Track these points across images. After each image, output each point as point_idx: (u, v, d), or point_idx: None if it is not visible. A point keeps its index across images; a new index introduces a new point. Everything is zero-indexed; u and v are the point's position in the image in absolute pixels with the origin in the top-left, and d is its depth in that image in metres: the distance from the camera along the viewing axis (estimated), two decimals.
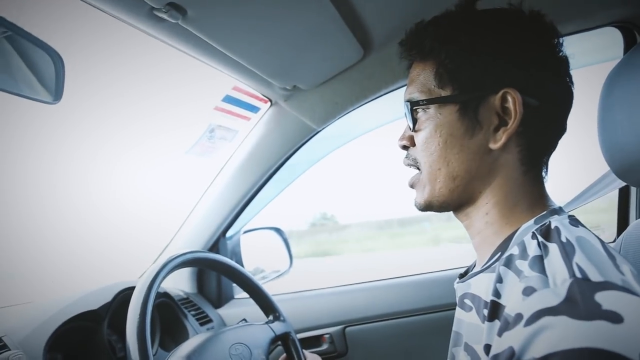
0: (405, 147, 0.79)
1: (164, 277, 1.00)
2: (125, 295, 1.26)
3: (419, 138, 0.74)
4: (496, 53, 0.68)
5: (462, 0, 0.73)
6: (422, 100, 0.73)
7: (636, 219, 1.39)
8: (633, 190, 1.43)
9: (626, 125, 0.75)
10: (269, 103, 1.37)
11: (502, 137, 0.68)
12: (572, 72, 0.73)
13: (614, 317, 0.48)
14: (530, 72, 0.68)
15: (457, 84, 0.70)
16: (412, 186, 0.79)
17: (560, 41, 0.71)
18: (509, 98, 0.67)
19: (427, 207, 0.76)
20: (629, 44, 1.20)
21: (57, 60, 0.78)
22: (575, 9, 1.10)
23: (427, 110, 0.73)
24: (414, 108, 0.74)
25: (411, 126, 0.75)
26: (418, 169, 0.77)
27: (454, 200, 0.74)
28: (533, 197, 0.71)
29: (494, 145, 0.69)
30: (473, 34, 0.69)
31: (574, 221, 0.66)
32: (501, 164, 0.70)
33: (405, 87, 0.79)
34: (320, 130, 1.44)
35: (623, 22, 1.15)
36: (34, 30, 0.75)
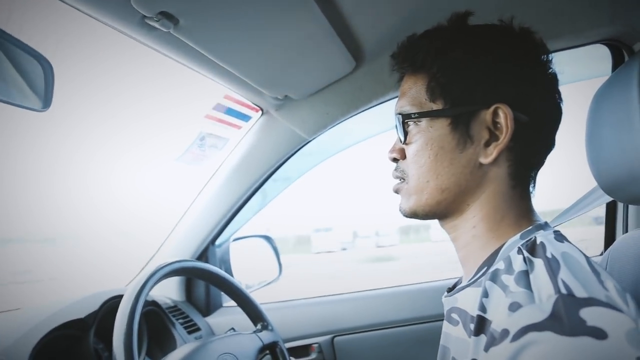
0: (395, 160, 0.79)
1: (152, 286, 0.99)
2: (112, 304, 1.24)
3: (410, 151, 0.74)
4: (488, 68, 0.69)
5: (454, 15, 0.74)
6: (414, 114, 0.73)
7: (623, 233, 1.40)
8: (620, 205, 1.45)
9: (613, 142, 0.76)
10: (260, 112, 1.37)
11: (493, 152, 0.69)
12: (560, 87, 0.74)
13: (599, 333, 0.49)
14: (521, 87, 0.69)
15: (448, 97, 0.70)
16: (396, 192, 0.79)
17: (550, 58, 0.72)
18: (501, 113, 0.68)
19: (411, 215, 0.77)
20: (616, 62, 1.21)
21: (47, 67, 0.77)
22: (565, 26, 1.11)
23: (418, 123, 0.73)
24: (405, 121, 0.74)
25: (402, 139, 0.75)
26: (402, 179, 0.77)
27: (441, 211, 0.75)
28: (520, 211, 0.71)
29: (484, 160, 0.69)
30: (465, 49, 0.70)
31: (559, 236, 0.66)
32: (490, 178, 0.71)
33: (396, 99, 0.79)
34: (311, 140, 1.44)
35: (611, 40, 1.17)
36: (23, 37, 0.74)
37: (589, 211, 1.21)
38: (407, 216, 0.78)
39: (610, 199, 1.14)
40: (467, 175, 0.71)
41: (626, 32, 1.13)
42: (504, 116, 0.67)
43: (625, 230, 1.42)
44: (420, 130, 0.73)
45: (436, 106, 0.71)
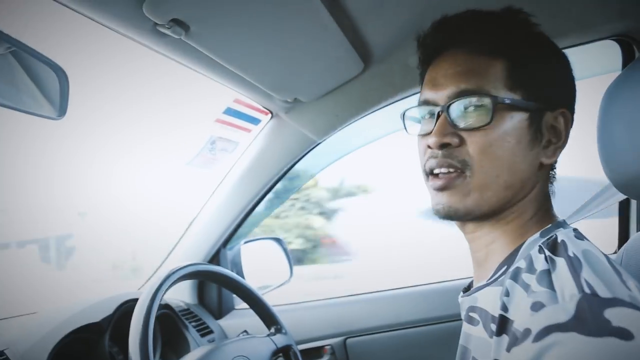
0: (443, 146, 0.68)
1: (166, 290, 1.00)
2: (126, 307, 1.25)
3: (481, 138, 0.66)
4: (560, 69, 0.71)
5: (510, 7, 0.71)
6: (506, 98, 0.66)
7: (637, 231, 1.39)
8: (633, 203, 1.43)
9: (625, 139, 0.76)
10: (269, 115, 1.38)
11: (555, 153, 0.70)
12: None
13: (624, 334, 0.48)
14: (574, 93, 0.71)
15: (530, 90, 0.67)
16: (445, 187, 0.68)
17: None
18: (562, 118, 0.69)
19: (465, 215, 0.69)
20: (627, 58, 1.20)
21: (62, 76, 0.78)
22: (575, 22, 1.10)
23: (501, 110, 0.66)
24: (482, 104, 0.66)
25: (480, 123, 0.66)
26: (458, 170, 0.68)
27: (493, 211, 0.69)
28: (544, 210, 0.72)
29: (547, 160, 0.69)
30: (547, 45, 0.72)
31: (579, 234, 0.66)
32: (540, 179, 0.71)
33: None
34: (321, 142, 1.44)
35: (622, 36, 1.16)
36: (38, 46, 0.75)
37: (602, 209, 1.20)
38: (452, 217, 0.70)
39: (623, 196, 1.13)
40: (531, 175, 0.69)
41: (637, 28, 1.12)
42: (565, 121, 0.69)
43: (639, 228, 1.40)
44: (501, 118, 0.66)
45: (516, 96, 0.67)
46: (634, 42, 1.16)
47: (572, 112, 0.71)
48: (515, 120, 0.66)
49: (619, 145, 0.77)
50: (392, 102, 1.30)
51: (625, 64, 1.21)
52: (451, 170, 0.68)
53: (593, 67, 1.35)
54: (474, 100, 0.66)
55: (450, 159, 0.67)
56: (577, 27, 1.12)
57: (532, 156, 0.69)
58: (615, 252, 1.44)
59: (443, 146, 0.68)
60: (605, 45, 1.21)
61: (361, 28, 1.04)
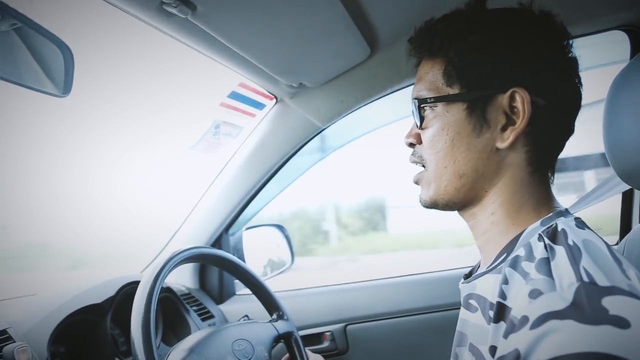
0: (411, 145, 0.79)
1: (168, 272, 1.00)
2: (128, 290, 1.26)
3: (426, 136, 0.74)
4: (505, 52, 0.68)
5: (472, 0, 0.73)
6: (430, 98, 0.72)
7: (639, 222, 1.39)
8: (636, 194, 1.43)
9: (632, 128, 0.75)
10: (274, 100, 1.37)
11: (509, 137, 0.68)
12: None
13: (621, 323, 0.48)
14: (539, 71, 0.68)
15: (465, 82, 0.70)
16: (416, 182, 0.79)
17: (570, 42, 0.71)
18: (518, 97, 0.67)
19: (432, 204, 0.76)
20: (635, 48, 1.19)
21: (67, 53, 0.78)
22: (583, 12, 1.10)
23: (434, 108, 0.73)
24: (422, 106, 0.74)
25: (418, 124, 0.75)
26: (423, 166, 0.76)
27: (460, 199, 0.74)
28: (539, 198, 0.71)
29: (501, 145, 0.69)
30: (482, 33, 0.69)
31: (580, 223, 0.66)
32: (508, 164, 0.70)
33: (411, 86, 0.79)
34: (325, 129, 1.44)
35: (630, 26, 1.15)
36: (44, 23, 0.75)
37: (605, 199, 1.20)
38: (427, 206, 0.77)
39: (626, 187, 1.13)
40: (484, 161, 0.70)
41: None
42: (521, 100, 0.67)
43: None
44: (436, 115, 0.72)
45: (453, 91, 0.71)
46: None
47: (533, 88, 0.67)
48: (451, 114, 0.71)
49: (625, 135, 0.77)
50: (398, 89, 1.29)
51: (633, 53, 1.20)
52: (416, 164, 0.78)
53: (602, 57, 1.35)
54: (413, 106, 0.75)
55: (414, 155, 0.78)
56: (586, 16, 1.11)
57: (482, 143, 0.70)
58: (616, 244, 1.44)
59: (410, 145, 0.79)
60: (613, 36, 1.20)
61: (368, 12, 1.03)
